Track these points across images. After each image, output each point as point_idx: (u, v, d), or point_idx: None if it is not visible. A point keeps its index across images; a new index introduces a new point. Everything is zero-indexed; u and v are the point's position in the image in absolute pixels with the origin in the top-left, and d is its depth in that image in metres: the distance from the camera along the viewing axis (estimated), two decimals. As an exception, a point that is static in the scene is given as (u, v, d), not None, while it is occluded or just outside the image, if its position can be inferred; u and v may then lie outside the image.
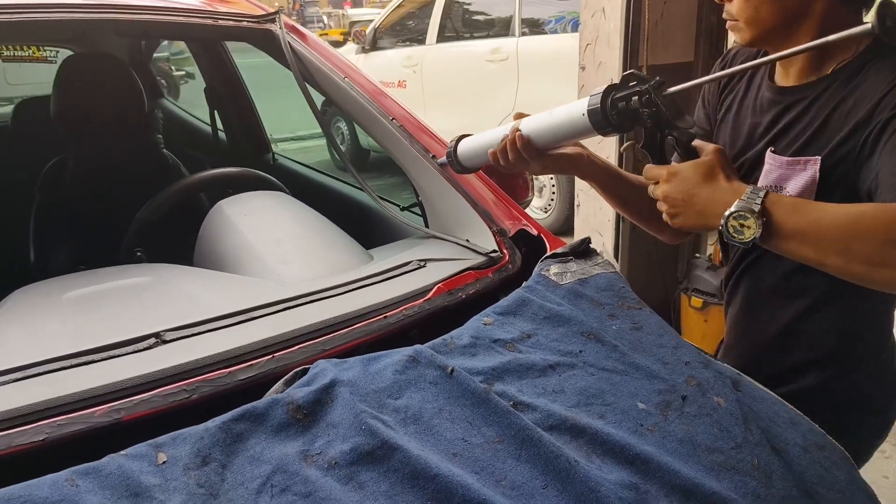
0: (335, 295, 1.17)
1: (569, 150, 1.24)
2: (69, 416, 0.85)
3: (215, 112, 2.39)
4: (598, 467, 0.86)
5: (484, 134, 1.28)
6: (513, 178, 1.82)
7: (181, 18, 1.69)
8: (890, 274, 0.84)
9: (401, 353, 0.98)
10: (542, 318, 1.12)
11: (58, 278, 1.25)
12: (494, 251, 1.34)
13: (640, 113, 1.01)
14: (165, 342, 0.99)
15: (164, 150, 2.22)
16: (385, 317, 1.11)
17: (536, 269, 1.26)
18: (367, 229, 1.82)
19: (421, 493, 0.77)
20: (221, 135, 2.48)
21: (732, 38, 1.17)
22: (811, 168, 1.06)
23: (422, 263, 1.30)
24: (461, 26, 5.92)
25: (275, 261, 1.32)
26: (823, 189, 1.05)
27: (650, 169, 1.04)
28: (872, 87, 1.00)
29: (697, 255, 3.21)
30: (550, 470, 0.83)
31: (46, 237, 2.04)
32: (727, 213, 0.92)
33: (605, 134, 1.07)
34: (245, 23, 1.74)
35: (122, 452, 0.77)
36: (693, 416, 0.98)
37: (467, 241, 1.41)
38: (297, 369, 0.94)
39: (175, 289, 1.20)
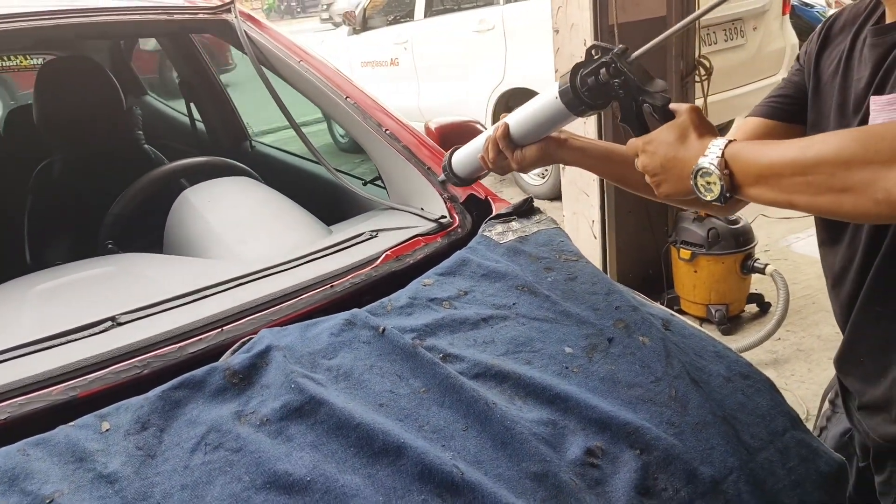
0: (287, 269, 1.23)
1: (553, 138, 1.18)
2: (29, 395, 0.92)
3: (191, 104, 2.46)
4: (518, 408, 0.92)
5: (472, 141, 1.27)
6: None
7: (137, 17, 1.74)
8: (855, 200, 0.76)
9: (338, 318, 1.04)
10: (480, 275, 1.18)
11: (30, 275, 1.33)
12: (444, 217, 1.39)
13: (611, 85, 0.97)
14: (120, 324, 1.06)
15: (146, 146, 2.28)
16: (332, 286, 1.18)
17: (480, 230, 1.31)
18: (338, 207, 1.88)
19: (345, 441, 0.84)
20: (200, 126, 2.54)
21: None
22: None
23: (374, 234, 1.36)
24: (448, -1, 5.92)
25: (235, 242, 1.39)
26: None
27: (631, 143, 0.98)
28: None
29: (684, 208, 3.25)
30: (471, 413, 0.90)
31: (40, 237, 2.12)
32: (692, 171, 0.87)
33: (580, 114, 1.04)
34: (201, 15, 1.79)
35: (70, 424, 0.85)
36: (617, 356, 1.03)
37: (422, 209, 1.46)
38: (243, 339, 1.01)
39: (134, 275, 1.27)
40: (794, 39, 5.24)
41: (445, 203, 1.44)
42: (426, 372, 0.95)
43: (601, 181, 3.14)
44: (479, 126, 1.90)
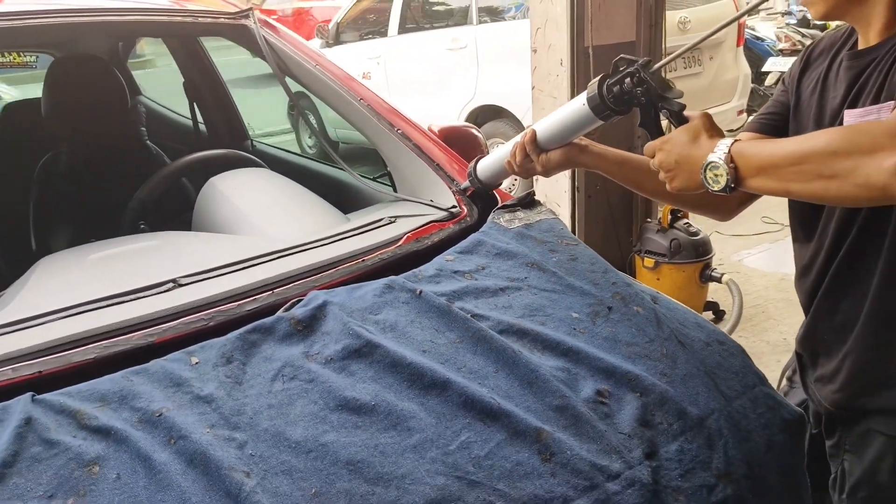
0: (320, 246, 1.38)
1: (576, 143, 1.31)
2: (113, 339, 1.05)
3: (195, 104, 2.58)
4: (538, 357, 1.09)
5: (499, 149, 1.42)
6: (472, 146, 2.04)
7: (164, 18, 1.88)
8: (840, 185, 0.88)
9: (379, 282, 1.20)
10: (494, 254, 1.35)
11: (78, 247, 1.45)
12: (454, 206, 1.56)
13: (634, 92, 1.09)
14: (181, 286, 1.20)
15: (148, 142, 2.40)
16: (363, 260, 1.33)
17: (490, 218, 1.48)
18: (342, 201, 2.03)
19: (399, 376, 0.99)
20: (202, 126, 2.67)
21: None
22: (884, 114, 1.01)
23: (392, 219, 1.52)
24: (421, 17, 6.13)
25: (264, 223, 1.53)
26: None
27: (649, 145, 1.10)
28: None
29: (649, 219, 3.47)
30: (500, 360, 1.06)
31: (46, 225, 2.22)
32: (702, 165, 0.99)
33: (605, 119, 1.18)
34: (222, 19, 1.93)
35: (162, 358, 0.99)
36: (616, 321, 1.21)
37: (431, 200, 1.62)
38: (294, 299, 1.16)
39: (182, 247, 1.40)
40: (747, 70, 5.60)
41: (454, 195, 1.61)
42: (459, 326, 1.11)
43: (572, 192, 3.35)
44: (475, 131, 2.08)
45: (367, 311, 1.12)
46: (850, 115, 1.09)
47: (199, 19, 1.93)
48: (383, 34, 6.16)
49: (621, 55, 1.15)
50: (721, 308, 3.49)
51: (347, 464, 0.86)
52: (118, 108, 2.30)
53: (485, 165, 1.48)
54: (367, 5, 6.58)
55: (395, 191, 1.82)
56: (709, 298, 3.47)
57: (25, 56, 3.12)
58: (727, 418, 1.09)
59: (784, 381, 1.52)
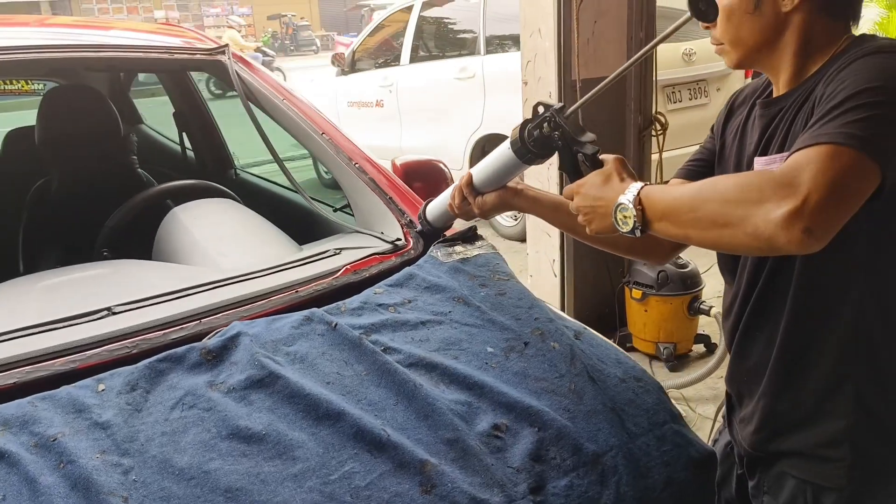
0: (260, 276, 1.43)
1: (510, 187, 1.35)
2: (36, 365, 1.11)
3: (184, 134, 2.68)
4: (441, 391, 1.13)
5: (443, 193, 1.48)
6: (437, 180, 2.09)
7: (140, 54, 1.97)
8: (732, 234, 0.91)
9: (299, 314, 1.24)
10: (424, 288, 1.39)
11: (34, 274, 1.52)
12: (399, 239, 1.61)
13: (552, 136, 1.13)
14: (115, 313, 1.25)
15: (139, 170, 2.49)
16: (297, 291, 1.38)
17: (428, 251, 1.52)
18: (311, 230, 2.08)
19: (296, 406, 1.04)
20: (191, 154, 2.76)
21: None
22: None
23: (337, 251, 1.57)
24: (433, 47, 6.23)
25: (216, 253, 1.59)
26: None
27: (567, 189, 1.13)
28: (834, 77, 1.00)
29: (639, 251, 3.48)
30: (401, 392, 1.10)
31: (33, 249, 2.31)
32: (613, 206, 1.02)
33: (529, 162, 1.21)
34: (199, 55, 2.02)
35: (72, 385, 1.04)
36: (530, 357, 1.24)
37: (382, 232, 1.67)
38: (217, 329, 1.21)
39: (127, 276, 1.47)
40: (755, 101, 5.57)
41: (402, 228, 1.65)
42: (368, 359, 1.15)
43: (562, 223, 3.38)
44: (440, 165, 2.13)
45: (280, 343, 1.16)
46: (758, 163, 1.11)
47: (176, 55, 2.02)
48: (396, 63, 6.27)
49: (539, 101, 1.18)
50: (713, 341, 3.47)
51: (226, 491, 0.90)
52: (110, 136, 2.40)
53: (432, 207, 1.53)
54: (381, 35, 6.71)
55: (357, 223, 1.87)
56: (701, 331, 3.46)
57: (32, 84, 3.26)
58: (626, 455, 1.11)
59: (720, 419, 1.53)
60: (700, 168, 1.31)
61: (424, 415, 1.07)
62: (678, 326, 3.32)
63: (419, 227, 1.61)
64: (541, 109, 1.18)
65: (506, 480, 1.00)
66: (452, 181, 2.15)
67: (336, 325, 1.21)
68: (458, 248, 1.54)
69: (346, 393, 1.08)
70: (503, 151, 1.26)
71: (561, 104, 1.16)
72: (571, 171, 1.16)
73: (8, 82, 3.23)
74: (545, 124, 1.15)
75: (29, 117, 2.41)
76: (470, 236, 1.59)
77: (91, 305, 1.28)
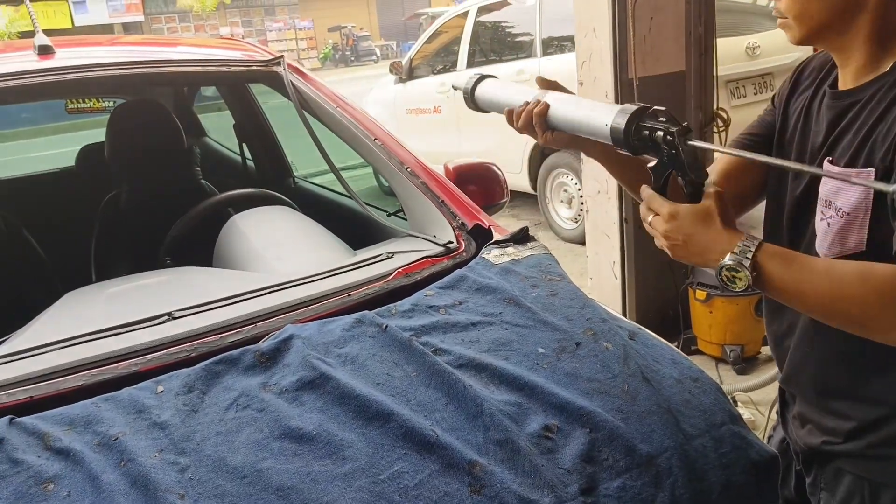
0: (314, 281, 1.46)
1: None
2: (101, 368, 1.16)
3: (244, 144, 2.75)
4: (491, 392, 1.12)
5: (507, 87, 1.32)
6: (490, 182, 2.09)
7: (200, 68, 2.03)
8: (866, 331, 0.92)
9: (351, 317, 1.26)
10: (475, 289, 1.39)
11: (101, 283, 1.59)
12: (451, 242, 1.61)
13: (661, 148, 1.02)
14: (175, 318, 1.30)
15: (203, 181, 2.57)
16: (349, 294, 1.40)
17: (480, 253, 1.52)
18: (366, 236, 2.11)
19: (345, 407, 1.05)
20: (251, 164, 2.83)
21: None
22: (862, 179, 0.97)
23: (390, 255, 1.58)
24: (489, 51, 6.23)
25: (272, 259, 1.63)
26: (880, 205, 0.97)
27: (652, 198, 1.04)
28: None
29: (703, 250, 3.39)
30: (451, 393, 1.10)
31: (104, 259, 2.41)
32: (720, 265, 0.95)
33: (616, 145, 1.08)
34: (255, 67, 2.07)
35: (133, 387, 1.08)
36: (582, 357, 1.22)
37: (434, 236, 1.68)
38: (272, 332, 1.24)
39: (187, 282, 1.51)
40: (824, 94, 5.36)
41: (454, 231, 1.66)
42: (417, 360, 1.15)
43: (620, 224, 3.33)
44: (493, 167, 2.13)
45: (331, 345, 1.18)
46: (829, 168, 1.05)
47: (234, 68, 2.08)
48: (453, 68, 6.30)
49: (666, 109, 1.04)
50: (783, 342, 3.35)
51: (277, 490, 0.92)
52: (174, 149, 2.48)
53: (487, 91, 1.36)
54: (438, 42, 6.75)
55: (409, 226, 1.88)
56: (769, 332, 3.35)
57: (103, 101, 3.40)
58: (681, 457, 1.08)
59: (775, 415, 1.48)
60: (755, 143, 1.24)
61: (474, 415, 1.06)
62: (745, 328, 3.22)
63: (460, 88, 1.49)
64: (662, 117, 1.04)
65: (556, 481, 0.99)
66: (506, 184, 2.15)
67: (386, 327, 1.22)
68: (510, 250, 1.54)
69: (395, 394, 1.09)
70: (596, 122, 1.09)
71: (687, 127, 1.03)
72: (661, 185, 1.05)
73: (81, 101, 3.38)
74: (659, 133, 1.02)
75: (101, 135, 2.52)
76: (522, 237, 1.58)
77: (153, 311, 1.32)
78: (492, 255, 1.51)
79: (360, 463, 0.97)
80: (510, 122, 1.26)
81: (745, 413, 2.84)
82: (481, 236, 1.66)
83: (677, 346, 3.29)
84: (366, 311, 1.27)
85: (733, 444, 1.14)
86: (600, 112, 1.10)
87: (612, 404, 1.13)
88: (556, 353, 1.23)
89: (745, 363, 3.25)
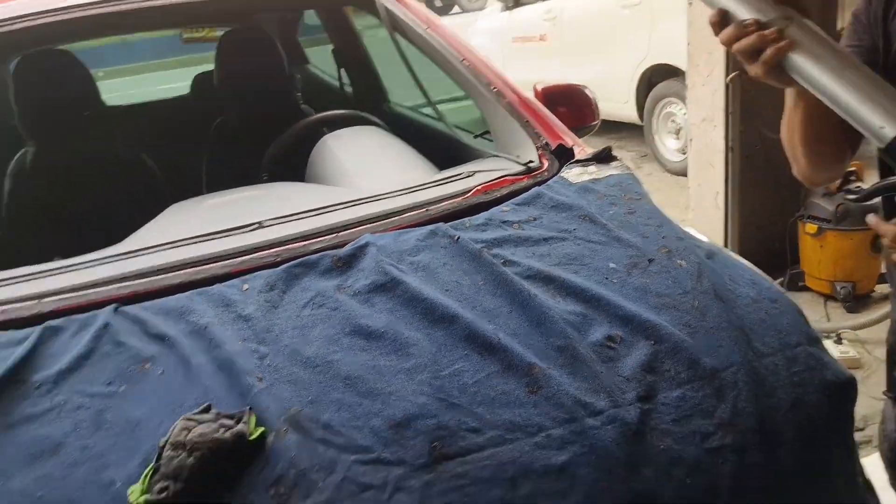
0: (394, 196, 1.50)
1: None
2: (198, 268, 1.26)
3: (342, 70, 2.81)
4: (556, 302, 1.14)
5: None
6: (580, 104, 2.06)
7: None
8: None
9: (425, 228, 1.30)
10: (550, 206, 1.39)
11: (203, 196, 1.70)
12: (532, 161, 1.61)
13: None
14: (264, 227, 1.38)
15: (303, 105, 2.66)
16: (427, 209, 1.44)
17: (560, 171, 1.52)
18: (454, 157, 2.14)
19: (413, 309, 1.10)
20: (349, 89, 2.90)
21: None
22: None
23: (470, 173, 1.60)
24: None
25: (358, 176, 1.69)
26: None
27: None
28: None
29: (816, 182, 3.20)
30: (516, 301, 1.12)
31: (214, 178, 2.56)
32: None
33: (886, 157, 0.88)
34: (349, -10, 2.11)
35: (222, 284, 1.17)
36: (654, 273, 1.22)
37: (517, 156, 1.69)
38: (351, 241, 1.30)
39: (279, 196, 1.60)
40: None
41: (537, 151, 1.65)
42: (486, 270, 1.19)
43: (726, 154, 3.18)
44: (583, 89, 2.09)
45: (405, 253, 1.23)
46: None
47: (329, -8, 2.12)
48: (560, -6, 6.10)
49: None
50: (900, 281, 3.15)
51: (345, 379, 0.99)
52: (277, 76, 2.57)
53: None
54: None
55: (496, 147, 1.89)
56: (885, 270, 3.15)
57: (216, 31, 3.54)
58: (749, 373, 1.07)
59: None
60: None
61: (537, 322, 1.09)
62: (858, 264, 3.04)
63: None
64: None
65: (614, 387, 1.01)
66: (597, 106, 2.10)
67: (458, 238, 1.25)
68: (591, 169, 1.52)
69: (462, 300, 1.13)
70: (868, 115, 0.88)
71: None
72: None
73: (195, 30, 3.54)
74: None
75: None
76: (604, 157, 1.56)
77: (246, 220, 1.41)
78: (572, 173, 1.50)
79: (423, 360, 1.02)
80: (716, 28, 0.97)
81: (851, 351, 2.72)
82: (564, 156, 1.65)
83: (783, 283, 3.18)
84: (440, 224, 1.31)
85: (807, 364, 1.12)
86: (879, 104, 0.87)
87: (680, 319, 1.13)
88: (628, 268, 1.23)
89: (857, 301, 3.08)
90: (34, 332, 1.08)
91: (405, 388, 0.98)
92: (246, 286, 1.16)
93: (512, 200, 1.42)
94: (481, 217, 1.35)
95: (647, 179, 4.85)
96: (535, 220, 1.36)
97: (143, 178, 2.59)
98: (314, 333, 1.06)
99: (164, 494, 0.82)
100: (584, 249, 1.27)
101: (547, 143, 1.67)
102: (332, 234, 1.36)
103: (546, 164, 1.62)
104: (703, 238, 1.39)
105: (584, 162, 1.54)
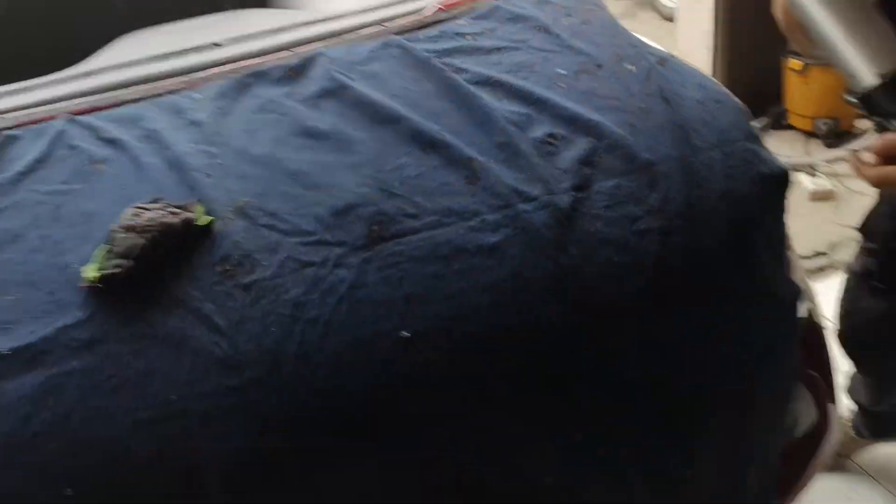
0: (353, 15, 1.49)
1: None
2: (152, 85, 1.28)
3: None
4: (502, 104, 1.16)
5: None
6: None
7: None
8: None
9: (379, 41, 1.30)
10: (507, 18, 1.38)
11: (159, 25, 1.68)
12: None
13: None
14: (220, 46, 1.39)
15: None
16: (384, 25, 1.43)
17: (520, -14, 1.50)
18: None
19: (359, 112, 1.13)
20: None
21: None
22: None
23: None
24: None
25: None
26: None
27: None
28: None
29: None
30: (462, 104, 1.15)
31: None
32: None
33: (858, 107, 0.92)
34: None
35: (175, 94, 1.19)
36: (602, 78, 1.23)
37: None
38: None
39: (237, 20, 1.60)
40: None
41: None
42: (435, 77, 1.20)
43: (715, -13, 3.09)
44: None
45: (356, 64, 1.24)
46: None
47: None
48: None
49: None
50: (884, 118, 3.14)
51: (292, 174, 1.03)
52: None
53: None
54: None
55: None
56: (870, 107, 3.13)
57: None
58: (684, 166, 1.10)
59: None
60: None
61: (480, 122, 1.12)
62: (841, 102, 3.01)
63: None
64: None
65: (550, 178, 1.05)
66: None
67: (408, 49, 1.26)
68: (556, -16, 1.50)
69: (409, 104, 1.15)
70: (855, 59, 0.90)
71: None
72: None
73: None
74: None
75: None
76: (568, -30, 1.53)
77: (206, 41, 1.42)
78: (535, -13, 1.48)
79: (368, 156, 1.06)
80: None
81: (827, 184, 2.76)
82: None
83: (767, 121, 3.17)
84: (393, 36, 1.31)
85: (744, 158, 1.15)
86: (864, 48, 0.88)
87: (623, 119, 1.15)
88: (576, 73, 1.24)
89: (837, 138, 3.08)
90: None
91: (348, 180, 1.02)
92: (198, 95, 1.18)
93: (468, 14, 1.41)
94: (436, 29, 1.35)
95: (643, 28, 4.71)
96: (489, 31, 1.35)
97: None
98: (263, 135, 1.10)
99: (117, 269, 0.88)
100: (535, 57, 1.28)
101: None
102: (287, 50, 1.36)
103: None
104: (657, 46, 1.39)
105: (546, -25, 1.51)
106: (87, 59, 1.46)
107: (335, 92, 1.16)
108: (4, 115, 1.21)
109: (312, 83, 1.19)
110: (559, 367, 0.96)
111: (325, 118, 1.12)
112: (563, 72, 1.24)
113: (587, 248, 1.00)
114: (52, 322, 0.87)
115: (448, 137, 1.08)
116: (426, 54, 1.25)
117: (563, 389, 0.96)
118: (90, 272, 0.89)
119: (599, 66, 1.25)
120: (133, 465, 0.81)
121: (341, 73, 1.20)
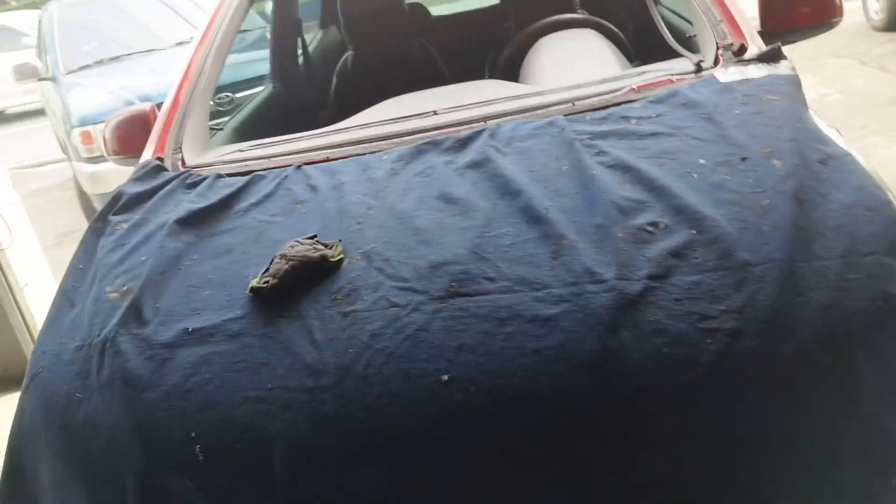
0: (550, 93, 1.66)
1: None
2: (367, 145, 1.61)
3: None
4: (623, 189, 1.24)
5: None
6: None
7: None
8: None
9: (544, 120, 1.46)
10: (680, 104, 1.43)
11: (417, 92, 2.02)
12: (702, 61, 1.61)
13: None
14: (437, 114, 1.67)
15: (579, 10, 2.81)
16: (573, 104, 1.57)
17: (713, 70, 1.51)
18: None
19: (492, 183, 1.31)
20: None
21: None
22: None
23: (643, 72, 1.67)
24: None
25: (545, 74, 1.86)
26: None
27: None
28: None
29: None
30: (580, 183, 1.26)
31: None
32: None
33: None
34: None
35: (372, 154, 1.51)
36: (740, 171, 1.23)
37: (699, 58, 1.69)
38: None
39: (473, 90, 1.86)
40: None
41: (716, 49, 1.64)
42: (573, 157, 1.32)
43: None
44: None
45: (515, 139, 1.42)
46: None
47: None
48: None
49: None
50: None
51: (415, 229, 1.25)
52: None
53: None
54: None
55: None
56: None
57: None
58: (787, 270, 1.06)
59: None
60: None
61: (590, 203, 1.21)
62: None
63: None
64: None
65: (630, 264, 1.10)
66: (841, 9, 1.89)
67: (563, 129, 1.40)
68: (750, 69, 1.49)
69: (538, 179, 1.30)
70: None
71: None
72: None
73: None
74: None
75: None
76: (770, 56, 1.50)
77: (422, 108, 1.72)
78: (726, 72, 1.50)
79: (478, 223, 1.23)
80: None
81: None
82: (741, 55, 1.61)
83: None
84: (558, 116, 1.46)
85: (869, 273, 1.06)
86: None
87: (738, 214, 1.14)
88: (716, 165, 1.25)
89: None
90: (248, 178, 1.55)
91: (454, 241, 1.21)
92: (385, 156, 1.48)
93: (647, 97, 1.49)
94: (605, 111, 1.46)
95: None
96: (656, 116, 1.42)
97: (433, 77, 3.03)
98: (412, 195, 1.34)
99: (266, 284, 1.20)
100: (685, 145, 1.31)
101: (730, 43, 1.64)
102: (481, 122, 1.59)
103: (720, 64, 1.60)
104: (837, 140, 1.30)
105: (748, 61, 1.51)
106: (353, 117, 1.86)
107: (480, 164, 1.36)
108: (267, 159, 1.65)
109: (468, 154, 1.40)
110: (574, 441, 1.02)
111: (462, 186, 1.33)
112: (703, 162, 1.27)
113: (639, 335, 1.04)
114: (221, 314, 1.22)
115: (552, 214, 1.21)
116: (573, 135, 1.37)
117: (571, 467, 1.02)
118: (252, 283, 1.22)
119: (744, 158, 1.25)
120: (232, 430, 1.11)
121: (494, 148, 1.39)
